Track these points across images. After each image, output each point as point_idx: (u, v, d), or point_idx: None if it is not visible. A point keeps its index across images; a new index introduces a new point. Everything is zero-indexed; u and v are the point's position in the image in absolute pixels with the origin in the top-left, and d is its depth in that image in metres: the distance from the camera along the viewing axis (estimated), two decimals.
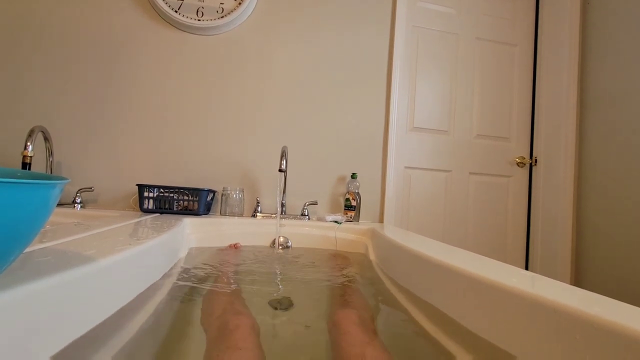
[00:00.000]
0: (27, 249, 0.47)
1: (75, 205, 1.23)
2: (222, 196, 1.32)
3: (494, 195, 1.68)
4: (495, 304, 0.47)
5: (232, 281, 0.77)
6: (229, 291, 0.68)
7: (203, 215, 1.23)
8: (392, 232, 1.07)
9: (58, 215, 1.12)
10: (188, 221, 1.10)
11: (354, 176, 1.41)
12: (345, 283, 0.80)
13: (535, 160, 1.70)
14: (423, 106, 1.63)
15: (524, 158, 1.70)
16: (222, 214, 1.31)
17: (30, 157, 1.09)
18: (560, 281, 0.49)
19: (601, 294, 0.42)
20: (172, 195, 1.22)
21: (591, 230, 1.49)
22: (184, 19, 1.35)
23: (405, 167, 1.60)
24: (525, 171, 1.73)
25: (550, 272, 1.54)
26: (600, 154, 1.48)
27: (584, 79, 1.58)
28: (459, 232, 1.64)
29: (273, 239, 1.20)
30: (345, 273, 0.91)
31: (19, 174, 0.37)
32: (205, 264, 0.89)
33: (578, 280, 1.51)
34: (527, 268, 1.68)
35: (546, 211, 1.63)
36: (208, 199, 1.29)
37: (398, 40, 1.54)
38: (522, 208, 1.71)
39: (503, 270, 0.54)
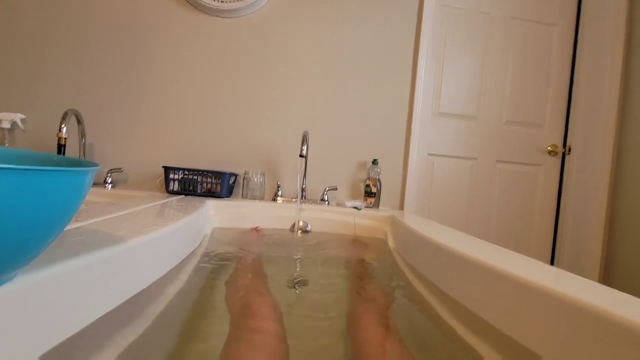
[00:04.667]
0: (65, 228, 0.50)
1: (107, 185, 1.30)
2: (243, 179, 1.35)
3: (522, 184, 1.62)
4: (518, 299, 0.46)
5: (254, 263, 0.79)
6: (252, 273, 0.70)
7: (225, 198, 1.26)
8: (413, 220, 1.06)
9: (91, 195, 1.18)
10: (211, 203, 1.14)
11: (375, 162, 1.40)
12: (364, 274, 0.80)
13: (569, 149, 1.61)
14: (450, 90, 1.57)
15: (557, 146, 1.61)
16: (244, 197, 1.34)
17: (65, 138, 1.14)
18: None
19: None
20: (196, 177, 1.25)
21: (626, 227, 1.41)
22: (207, 0, 1.34)
23: (429, 154, 1.56)
24: (557, 160, 1.64)
25: (577, 270, 1.48)
26: None
27: (629, 63, 1.45)
28: (482, 222, 1.60)
29: (293, 222, 1.22)
30: (364, 262, 0.91)
31: (55, 159, 0.39)
32: (227, 245, 0.92)
33: (606, 281, 1.44)
34: (552, 264, 1.62)
35: (577, 204, 1.55)
36: (230, 182, 1.32)
37: (426, 20, 1.47)
38: (551, 199, 1.64)
39: (528, 265, 0.53)
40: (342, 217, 1.24)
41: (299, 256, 0.92)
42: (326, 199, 1.37)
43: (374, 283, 0.72)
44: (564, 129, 1.64)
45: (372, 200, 1.36)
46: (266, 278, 0.66)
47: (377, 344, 0.44)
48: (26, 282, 0.32)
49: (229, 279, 0.65)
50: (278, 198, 1.37)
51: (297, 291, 0.64)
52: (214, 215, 1.13)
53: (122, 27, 1.37)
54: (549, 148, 1.61)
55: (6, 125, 1.27)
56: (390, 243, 1.07)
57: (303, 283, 0.69)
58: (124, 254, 0.48)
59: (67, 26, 1.35)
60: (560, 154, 1.64)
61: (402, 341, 0.47)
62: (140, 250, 0.52)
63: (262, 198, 1.35)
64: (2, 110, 1.30)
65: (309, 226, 1.22)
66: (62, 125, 1.13)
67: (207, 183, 1.26)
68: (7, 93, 1.33)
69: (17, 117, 1.29)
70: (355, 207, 1.27)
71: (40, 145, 1.33)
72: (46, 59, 1.35)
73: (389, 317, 0.55)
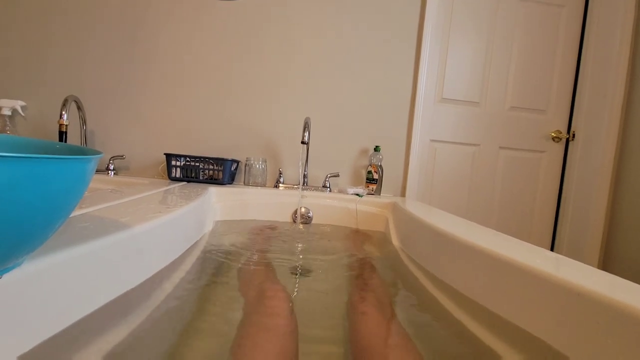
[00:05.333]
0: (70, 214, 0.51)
1: (109, 172, 1.30)
2: (245, 166, 1.35)
3: (524, 171, 1.61)
4: (515, 284, 0.46)
5: (261, 253, 0.79)
6: (263, 263, 0.71)
7: (227, 185, 1.27)
8: (414, 206, 1.06)
9: (94, 182, 1.19)
10: (213, 190, 1.14)
11: (377, 149, 1.39)
12: (364, 262, 0.81)
13: (573, 135, 1.59)
14: (454, 76, 1.54)
15: (561, 132, 1.60)
16: (246, 183, 1.34)
17: (66, 125, 1.14)
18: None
19: None
20: (198, 164, 1.26)
21: (627, 216, 1.41)
22: None
23: (431, 140, 1.55)
24: (561, 146, 1.63)
25: (575, 257, 1.49)
26: None
27: (638, 48, 1.42)
28: (483, 208, 1.60)
29: (295, 209, 1.22)
30: (365, 249, 0.92)
31: (57, 147, 0.39)
32: (231, 236, 0.93)
33: (605, 268, 1.45)
34: (552, 250, 1.64)
35: (580, 191, 1.55)
36: (232, 168, 1.32)
37: (430, 2, 1.43)
38: (554, 186, 1.63)
39: (530, 251, 0.53)
40: (343, 203, 1.25)
41: (300, 248, 0.93)
42: (328, 185, 1.37)
43: (373, 271, 0.73)
44: (568, 114, 1.62)
45: (374, 186, 1.37)
46: (275, 270, 0.67)
47: (376, 327, 0.45)
48: (34, 267, 0.32)
49: (242, 268, 0.66)
50: (280, 185, 1.37)
51: (300, 282, 0.66)
52: (216, 202, 1.13)
53: (122, 12, 1.35)
54: (553, 134, 1.60)
55: (7, 112, 1.27)
56: (392, 230, 1.08)
57: (305, 274, 0.70)
58: (130, 240, 0.49)
59: (67, 12, 1.33)
60: (564, 141, 1.62)
61: (401, 324, 0.47)
62: (146, 237, 0.53)
63: (264, 185, 1.36)
64: (2, 97, 1.29)
65: (310, 213, 1.23)
66: (63, 112, 1.13)
67: (209, 170, 1.26)
68: (7, 80, 1.32)
69: (18, 104, 1.29)
70: (356, 194, 1.28)
71: (41, 132, 1.33)
72: (46, 46, 1.33)
73: (388, 302, 0.56)
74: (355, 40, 1.43)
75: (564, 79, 1.60)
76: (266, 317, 0.43)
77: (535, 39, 1.57)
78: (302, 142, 1.13)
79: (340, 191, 1.36)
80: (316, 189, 1.36)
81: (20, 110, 1.30)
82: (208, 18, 1.38)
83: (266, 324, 0.42)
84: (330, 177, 1.39)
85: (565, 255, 0.53)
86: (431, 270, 0.70)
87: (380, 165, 1.37)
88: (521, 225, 1.61)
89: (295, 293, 0.58)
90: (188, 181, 1.26)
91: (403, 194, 1.49)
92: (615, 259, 1.43)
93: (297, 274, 0.70)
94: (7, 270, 0.30)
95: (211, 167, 1.26)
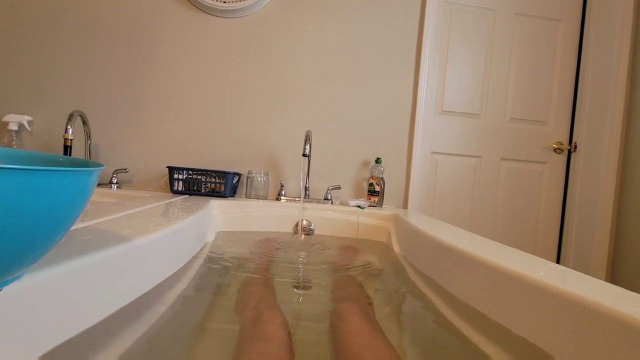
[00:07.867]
0: (72, 227, 0.51)
1: (112, 185, 1.31)
2: (247, 179, 1.35)
3: (527, 182, 1.60)
4: (522, 298, 0.45)
5: (264, 273, 0.78)
6: (261, 280, 0.70)
7: (229, 198, 1.27)
8: (416, 218, 1.06)
9: (97, 195, 1.20)
10: (215, 203, 1.14)
11: (378, 161, 1.39)
12: (349, 275, 0.79)
13: (575, 146, 1.59)
14: (453, 88, 1.56)
15: (562, 143, 1.60)
16: (248, 196, 1.34)
17: (71, 139, 1.16)
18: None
19: None
20: (200, 177, 1.26)
21: (633, 225, 1.39)
22: (210, 1, 1.35)
23: (432, 152, 1.55)
24: (563, 158, 1.62)
25: (583, 268, 1.46)
26: None
27: (636, 59, 1.43)
28: (486, 221, 1.59)
29: (296, 222, 1.22)
30: (368, 261, 0.91)
31: (60, 160, 0.40)
32: (232, 248, 0.93)
33: (614, 280, 1.43)
34: (558, 262, 1.61)
35: (584, 202, 1.53)
36: (234, 181, 1.32)
37: (429, 17, 1.46)
38: (557, 197, 1.62)
39: (535, 263, 0.53)
40: (345, 216, 1.24)
41: (301, 260, 0.92)
42: (329, 198, 1.37)
43: (354, 282, 0.72)
44: (569, 126, 1.62)
45: (376, 199, 1.36)
46: (274, 289, 0.66)
47: (359, 335, 0.45)
48: (33, 280, 0.32)
49: (240, 289, 0.65)
50: (281, 197, 1.37)
51: (298, 300, 0.65)
52: (218, 215, 1.13)
53: (126, 29, 1.39)
54: (555, 145, 1.60)
55: (13, 127, 1.29)
56: (394, 242, 1.07)
57: (305, 289, 0.70)
58: (130, 253, 0.49)
59: (72, 29, 1.37)
60: (566, 152, 1.62)
61: (384, 333, 0.47)
62: (146, 249, 0.53)
63: (265, 197, 1.36)
64: (9, 112, 1.32)
65: (312, 225, 1.23)
66: (68, 127, 1.15)
67: (211, 183, 1.27)
68: (14, 95, 1.35)
69: (24, 118, 1.31)
70: (358, 206, 1.27)
71: (47, 147, 1.35)
72: (52, 62, 1.36)
73: (371, 311, 0.56)
74: (355, 53, 1.46)
75: (563, 90, 1.61)
76: (262, 343, 0.43)
77: (534, 51, 1.59)
78: (304, 155, 1.14)
79: (342, 203, 1.36)
80: (318, 201, 1.36)
81: (26, 125, 1.32)
82: (209, 33, 1.41)
83: (262, 351, 0.41)
84: (331, 189, 1.39)
85: (573, 267, 0.53)
86: (436, 280, 0.69)
87: (382, 178, 1.38)
88: (525, 237, 1.60)
89: (293, 312, 0.57)
90: (190, 194, 1.26)
91: (405, 206, 1.48)
92: (624, 270, 1.41)
93: (297, 289, 0.69)
94: (6, 283, 0.30)
95: (213, 180, 1.27)
